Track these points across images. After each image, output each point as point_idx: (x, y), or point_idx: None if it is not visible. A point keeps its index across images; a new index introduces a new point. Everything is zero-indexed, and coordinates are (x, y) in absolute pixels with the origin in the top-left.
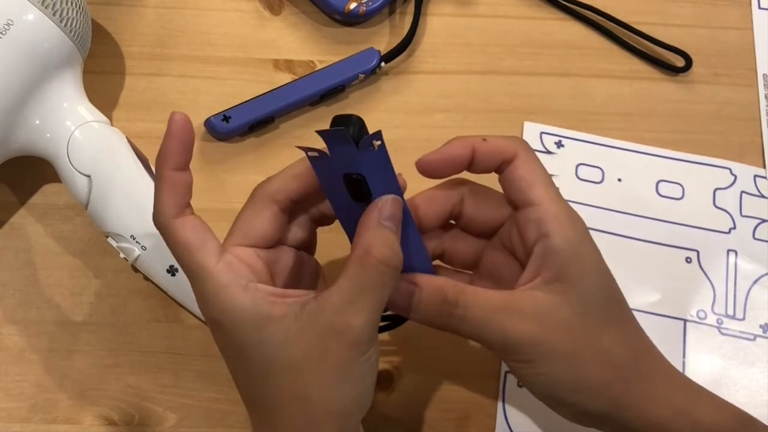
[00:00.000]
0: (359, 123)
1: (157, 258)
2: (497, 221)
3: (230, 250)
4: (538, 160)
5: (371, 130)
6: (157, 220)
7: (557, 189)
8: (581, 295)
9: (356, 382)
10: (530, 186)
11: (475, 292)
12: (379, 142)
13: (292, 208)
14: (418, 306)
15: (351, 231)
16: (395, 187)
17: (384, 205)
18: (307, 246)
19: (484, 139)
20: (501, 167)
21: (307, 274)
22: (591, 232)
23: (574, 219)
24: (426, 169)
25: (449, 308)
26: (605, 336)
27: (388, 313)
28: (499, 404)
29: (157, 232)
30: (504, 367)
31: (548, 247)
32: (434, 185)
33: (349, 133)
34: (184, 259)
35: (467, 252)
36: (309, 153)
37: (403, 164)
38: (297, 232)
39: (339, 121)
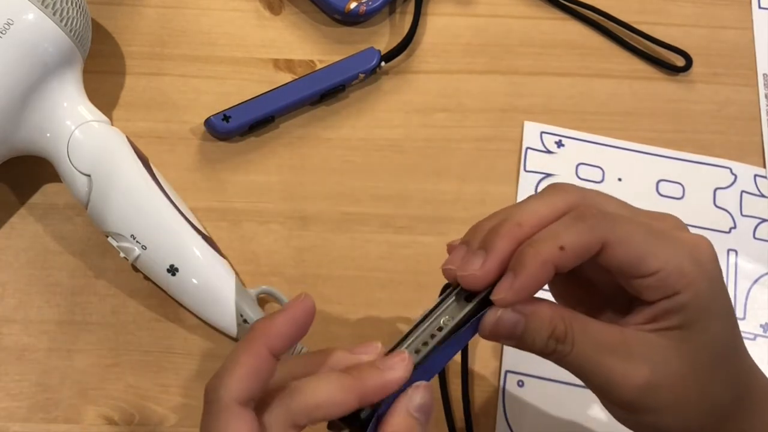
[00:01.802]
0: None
1: (157, 258)
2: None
3: None
4: (632, 226)
5: (371, 129)
6: (216, 388)
7: (666, 231)
8: (701, 344)
9: None
10: (640, 261)
11: (584, 326)
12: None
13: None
14: (523, 337)
15: None
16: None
17: (415, 393)
18: None
19: (562, 248)
20: (591, 260)
21: None
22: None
23: (703, 264)
24: (509, 304)
25: (555, 343)
26: (715, 382)
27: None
28: (499, 404)
29: (158, 231)
30: (504, 367)
31: (676, 303)
32: (569, 220)
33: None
34: None
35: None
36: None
37: (403, 164)
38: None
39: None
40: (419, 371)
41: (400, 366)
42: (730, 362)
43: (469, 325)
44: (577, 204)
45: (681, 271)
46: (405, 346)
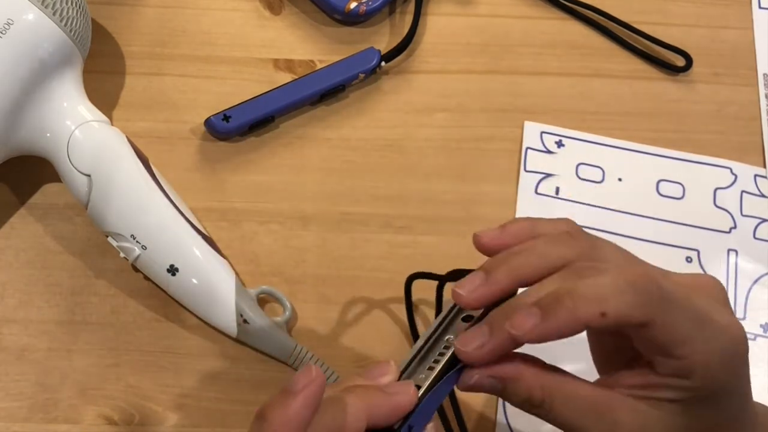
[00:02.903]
0: None
1: (157, 258)
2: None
3: None
4: (678, 309)
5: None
6: None
7: (706, 319)
8: (695, 420)
9: None
10: (676, 347)
11: (566, 391)
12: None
13: None
14: (503, 395)
15: None
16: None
17: None
18: None
19: (603, 314)
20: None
21: None
22: (591, 232)
23: (731, 357)
24: (527, 339)
25: (532, 408)
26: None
27: None
28: (499, 404)
29: (158, 231)
30: None
31: (685, 384)
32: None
33: None
34: None
35: None
36: None
37: (403, 164)
38: None
39: None
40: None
41: (404, 392)
42: (725, 422)
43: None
44: (584, 255)
45: (706, 364)
46: (410, 366)
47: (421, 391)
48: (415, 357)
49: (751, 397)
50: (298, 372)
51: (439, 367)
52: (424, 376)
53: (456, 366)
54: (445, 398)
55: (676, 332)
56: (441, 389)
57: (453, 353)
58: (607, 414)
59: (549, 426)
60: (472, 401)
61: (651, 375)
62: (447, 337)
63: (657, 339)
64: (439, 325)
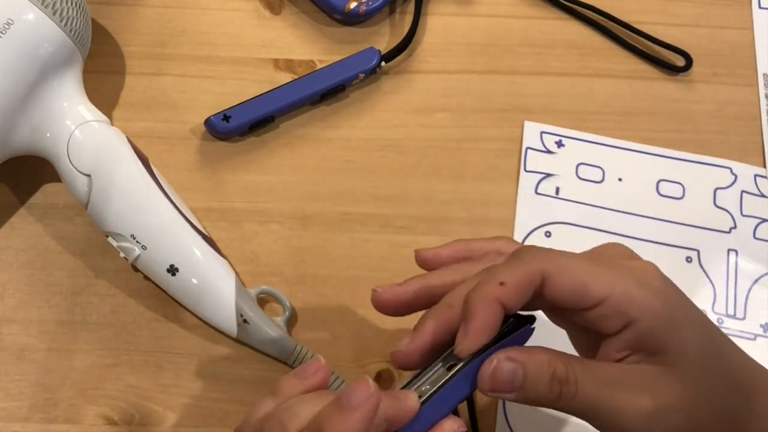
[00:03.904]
0: None
1: (157, 258)
2: (582, 305)
3: None
4: (567, 258)
5: (371, 129)
6: None
7: (607, 260)
8: (687, 360)
9: None
10: (583, 289)
11: (584, 365)
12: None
13: None
14: (525, 385)
15: None
16: None
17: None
18: None
19: (502, 283)
20: (534, 296)
21: None
22: (591, 232)
23: (652, 286)
24: (466, 353)
25: (559, 386)
26: (717, 390)
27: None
28: (499, 404)
29: (158, 231)
30: None
31: (639, 331)
32: (509, 260)
33: None
34: None
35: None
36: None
37: (403, 164)
38: None
39: None
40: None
41: (412, 398)
42: (725, 364)
43: (459, 377)
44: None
45: (630, 297)
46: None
47: (422, 399)
48: (418, 375)
49: (718, 330)
50: (353, 385)
51: (439, 383)
52: (424, 388)
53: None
54: (444, 414)
55: (575, 274)
56: (444, 399)
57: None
58: (622, 380)
59: (549, 426)
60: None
61: (614, 340)
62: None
63: (564, 288)
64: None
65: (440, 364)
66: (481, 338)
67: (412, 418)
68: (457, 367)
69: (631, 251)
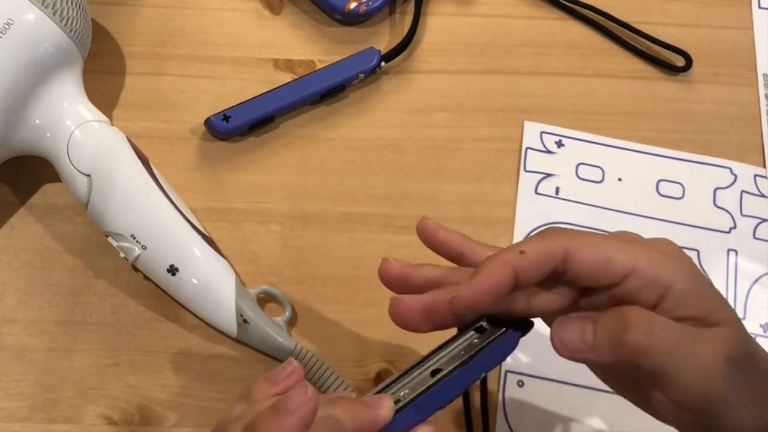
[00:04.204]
0: None
1: (157, 258)
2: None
3: None
4: (588, 235)
5: (371, 129)
6: None
7: (626, 238)
8: (737, 326)
9: None
10: (606, 262)
11: (657, 317)
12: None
13: None
14: (597, 339)
15: None
16: None
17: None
18: None
19: (522, 252)
20: (556, 272)
21: None
22: (590, 232)
23: (677, 254)
24: (461, 307)
25: (635, 337)
26: (765, 363)
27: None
28: (499, 404)
29: (158, 231)
30: (504, 367)
31: (677, 296)
32: (533, 237)
33: None
34: None
35: (562, 305)
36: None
37: (403, 164)
38: None
39: None
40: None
41: (385, 406)
42: (758, 349)
43: (471, 364)
44: None
45: (657, 263)
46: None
47: (398, 406)
48: (399, 377)
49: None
50: (291, 391)
51: (422, 388)
52: (403, 393)
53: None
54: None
55: (596, 248)
56: (422, 406)
57: (437, 374)
58: (691, 329)
59: (549, 426)
60: (472, 401)
61: (663, 312)
62: (432, 360)
63: (587, 262)
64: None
65: (424, 368)
66: (480, 289)
67: (383, 427)
68: (442, 373)
69: (642, 237)
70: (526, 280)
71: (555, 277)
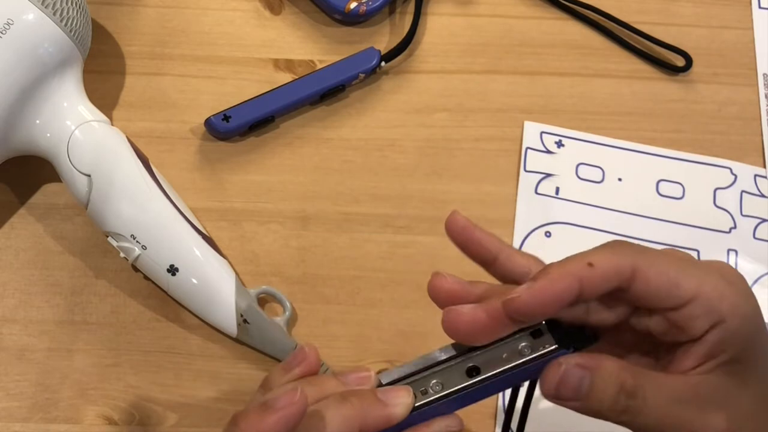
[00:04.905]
0: None
1: (157, 258)
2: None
3: None
4: (658, 254)
5: (371, 129)
6: None
7: (691, 261)
8: (761, 373)
9: None
10: (674, 286)
11: (655, 379)
12: None
13: None
14: (590, 395)
15: None
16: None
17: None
18: None
19: (591, 264)
20: (621, 289)
21: None
22: (591, 232)
23: (742, 287)
24: (516, 311)
25: (625, 399)
26: None
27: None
28: (500, 404)
29: (158, 231)
30: None
31: (726, 332)
32: (601, 248)
33: None
34: None
35: (616, 321)
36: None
37: (403, 164)
38: None
39: None
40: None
41: (401, 403)
42: None
43: (501, 379)
44: None
45: (721, 294)
46: (430, 383)
47: (427, 399)
48: (431, 366)
49: None
50: (281, 391)
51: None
52: (433, 383)
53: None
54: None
55: (667, 270)
56: (452, 404)
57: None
58: (694, 397)
59: (549, 426)
60: None
61: (697, 347)
62: (470, 355)
63: (655, 283)
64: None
65: (459, 361)
66: (542, 300)
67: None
68: (482, 377)
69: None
70: (590, 294)
71: (614, 293)
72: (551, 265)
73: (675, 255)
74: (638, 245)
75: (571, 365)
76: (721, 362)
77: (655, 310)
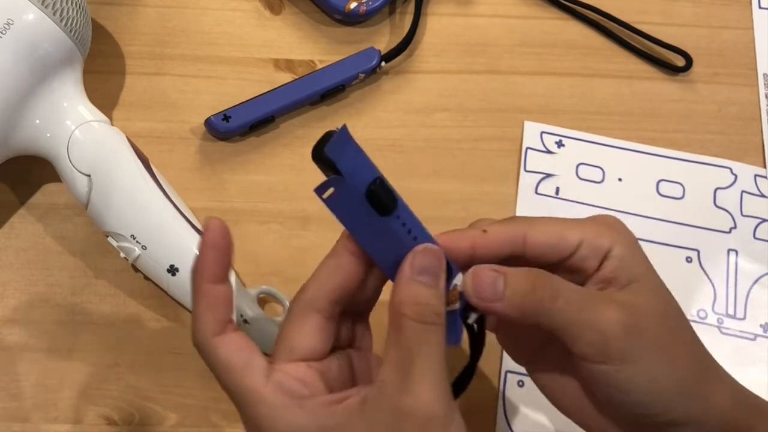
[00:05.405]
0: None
1: (157, 258)
2: (563, 256)
3: (279, 367)
4: (542, 218)
5: (371, 129)
6: (195, 338)
7: (577, 219)
8: (654, 291)
9: None
10: (562, 240)
11: (565, 281)
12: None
13: (338, 311)
14: (505, 293)
15: (382, 255)
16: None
17: (414, 258)
18: (363, 339)
19: (485, 231)
20: (516, 253)
21: (366, 371)
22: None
23: (623, 230)
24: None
25: (541, 291)
26: (684, 330)
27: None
28: (499, 404)
29: (158, 231)
30: (504, 367)
31: (614, 259)
32: (500, 221)
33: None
34: (227, 381)
35: None
36: (324, 195)
37: (403, 164)
38: (347, 331)
39: (322, 138)
40: None
41: None
42: (684, 316)
43: None
44: None
45: (601, 232)
46: None
47: None
48: None
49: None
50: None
51: None
52: None
53: None
54: None
55: (551, 228)
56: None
57: None
58: (600, 297)
59: (549, 426)
60: (472, 401)
61: (595, 276)
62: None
63: (543, 240)
64: None
65: None
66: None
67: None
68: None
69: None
70: (484, 256)
71: (514, 260)
72: (457, 230)
73: (557, 218)
74: (530, 216)
75: (485, 268)
76: (619, 285)
77: (554, 265)
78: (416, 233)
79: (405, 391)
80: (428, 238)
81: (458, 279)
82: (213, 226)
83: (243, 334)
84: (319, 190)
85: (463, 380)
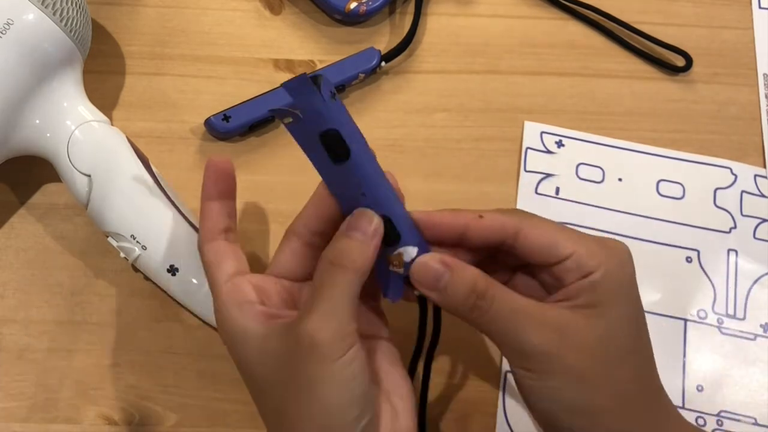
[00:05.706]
0: (322, 78)
1: (157, 258)
2: (553, 260)
3: (247, 275)
4: (540, 218)
5: (371, 129)
6: (198, 246)
7: (575, 231)
8: (610, 325)
9: (336, 393)
10: (553, 246)
11: (504, 291)
12: (334, 92)
13: (319, 241)
14: (446, 288)
15: (342, 200)
16: (364, 142)
17: (351, 219)
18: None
19: (481, 216)
20: (506, 244)
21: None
22: (591, 232)
23: (613, 250)
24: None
25: (476, 298)
26: (622, 367)
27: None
28: (499, 404)
29: (158, 231)
30: (504, 367)
31: (589, 281)
32: (496, 209)
33: (314, 84)
34: (207, 277)
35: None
36: (284, 120)
37: (403, 164)
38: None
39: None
40: None
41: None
42: (639, 356)
43: None
44: None
45: (592, 252)
46: None
47: None
48: None
49: (646, 336)
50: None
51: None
52: None
53: None
54: None
55: (547, 233)
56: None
57: None
58: (537, 314)
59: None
60: (472, 401)
61: (563, 290)
62: None
63: (535, 242)
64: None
65: None
66: (429, 223)
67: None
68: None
69: None
70: (475, 239)
71: (503, 250)
72: (454, 209)
73: (556, 223)
74: (529, 212)
75: (436, 260)
76: (578, 304)
77: (537, 265)
78: (366, 190)
79: (301, 319)
80: (379, 197)
81: (413, 251)
82: (216, 158)
83: (230, 244)
84: (279, 113)
85: (417, 354)
